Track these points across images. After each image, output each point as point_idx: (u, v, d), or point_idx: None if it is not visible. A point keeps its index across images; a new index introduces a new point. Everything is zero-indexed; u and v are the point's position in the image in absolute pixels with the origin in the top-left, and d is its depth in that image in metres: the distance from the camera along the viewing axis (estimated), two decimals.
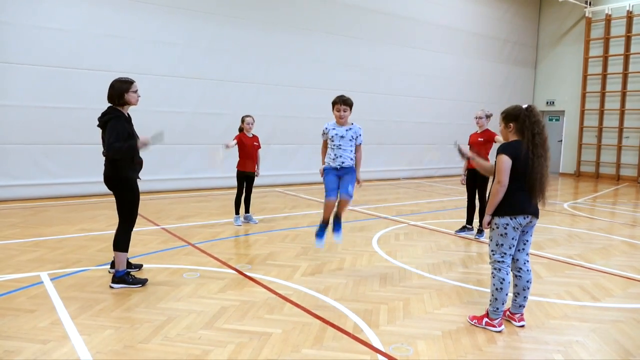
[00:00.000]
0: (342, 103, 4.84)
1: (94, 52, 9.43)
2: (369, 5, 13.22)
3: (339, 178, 4.96)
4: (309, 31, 12.26)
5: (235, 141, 7.07)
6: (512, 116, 3.63)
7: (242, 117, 7.27)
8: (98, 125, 4.38)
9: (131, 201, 4.45)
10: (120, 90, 4.34)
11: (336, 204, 5.00)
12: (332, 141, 4.92)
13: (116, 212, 4.51)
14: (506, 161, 3.54)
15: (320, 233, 5.02)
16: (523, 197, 3.57)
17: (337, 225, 5.09)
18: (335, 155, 4.92)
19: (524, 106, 3.61)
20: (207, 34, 10.76)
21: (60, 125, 9.23)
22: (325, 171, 5.01)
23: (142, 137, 4.39)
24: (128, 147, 4.28)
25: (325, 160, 5.03)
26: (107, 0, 9.53)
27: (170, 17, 10.26)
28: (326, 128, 4.97)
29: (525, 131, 3.53)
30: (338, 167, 4.92)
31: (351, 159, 4.95)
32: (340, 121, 4.90)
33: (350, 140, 4.91)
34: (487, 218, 3.69)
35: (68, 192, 9.36)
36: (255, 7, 11.37)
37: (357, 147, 5.00)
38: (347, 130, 4.90)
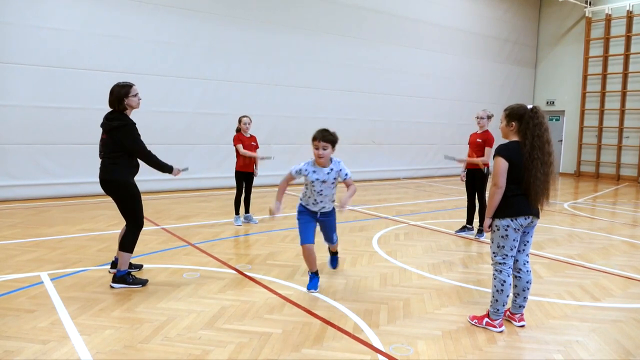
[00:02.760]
0: (322, 139, 4.13)
1: (94, 52, 9.43)
2: (370, 5, 13.22)
3: (317, 223, 4.47)
4: (309, 31, 12.26)
5: (257, 170, 7.38)
6: (515, 115, 3.56)
7: (239, 118, 7.29)
8: (102, 125, 4.39)
9: (133, 203, 4.44)
10: (119, 95, 4.32)
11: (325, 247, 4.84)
12: (313, 186, 4.29)
13: (117, 212, 4.51)
14: (502, 164, 3.51)
15: (310, 285, 4.48)
16: (523, 198, 3.55)
17: (333, 260, 4.95)
18: (315, 200, 4.35)
19: (529, 106, 3.54)
20: (207, 34, 10.76)
21: (60, 125, 9.23)
22: (300, 212, 4.45)
23: (176, 169, 4.74)
24: (159, 165, 4.57)
25: (303, 201, 4.45)
26: (107, 0, 9.54)
27: (170, 17, 10.26)
28: (305, 170, 4.28)
29: (527, 132, 3.48)
30: (317, 212, 4.42)
31: (332, 201, 4.46)
32: (320, 161, 4.22)
33: (332, 183, 4.32)
34: (487, 221, 3.68)
35: (68, 192, 9.37)
36: (255, 7, 11.37)
37: (349, 183, 4.34)
38: (327, 173, 4.25)
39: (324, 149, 4.16)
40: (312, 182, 4.28)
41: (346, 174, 4.32)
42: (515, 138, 3.60)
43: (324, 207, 4.40)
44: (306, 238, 4.35)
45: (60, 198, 9.21)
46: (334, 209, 4.52)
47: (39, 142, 9.10)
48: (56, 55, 9.10)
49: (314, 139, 4.18)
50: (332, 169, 4.28)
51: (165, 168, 4.60)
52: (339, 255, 5.07)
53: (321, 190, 4.30)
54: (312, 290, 4.42)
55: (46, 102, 9.08)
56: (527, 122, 3.49)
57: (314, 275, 4.53)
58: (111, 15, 9.59)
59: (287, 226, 7.27)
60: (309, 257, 4.43)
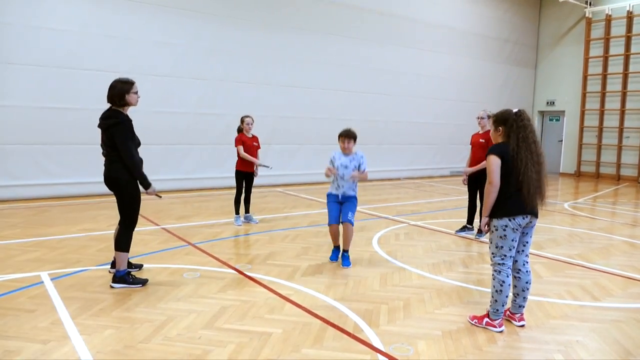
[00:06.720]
0: (346, 136, 5.33)
1: (94, 52, 9.43)
2: (369, 5, 13.22)
3: (340, 204, 5.38)
4: (309, 31, 12.27)
5: (261, 163, 7.41)
6: (501, 120, 3.68)
7: (242, 118, 7.28)
8: (99, 126, 4.38)
9: (131, 201, 4.44)
10: (121, 91, 4.31)
11: (340, 234, 5.41)
12: (337, 170, 5.30)
13: (117, 212, 4.52)
14: (495, 161, 3.57)
15: (332, 257, 5.51)
16: (520, 198, 3.57)
17: (345, 259, 5.35)
18: (338, 185, 5.36)
19: (514, 110, 3.65)
20: (207, 35, 10.76)
21: (60, 125, 9.23)
22: (328, 197, 5.46)
23: (152, 188, 4.47)
24: (139, 173, 4.37)
25: (330, 188, 5.47)
26: (107, 0, 9.54)
27: (170, 17, 10.26)
28: (333, 157, 5.41)
29: (512, 134, 3.57)
30: (340, 196, 5.36)
31: (353, 190, 5.37)
32: (345, 151, 5.38)
33: (353, 170, 5.29)
34: (484, 220, 3.70)
35: (68, 192, 9.37)
36: (255, 7, 11.37)
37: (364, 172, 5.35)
38: (350, 160, 5.33)
39: (348, 143, 5.33)
40: (337, 167, 5.31)
41: (364, 167, 5.38)
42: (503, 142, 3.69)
43: (344, 192, 5.35)
44: (331, 220, 5.33)
45: (61, 198, 9.21)
46: (355, 197, 5.42)
47: (39, 142, 9.10)
48: (56, 55, 9.10)
49: (340, 136, 5.37)
50: (354, 158, 5.36)
51: (143, 181, 4.40)
52: (349, 254, 5.40)
53: (343, 175, 5.28)
54: (333, 261, 5.42)
55: (46, 102, 9.09)
56: (511, 125, 3.60)
57: (336, 249, 5.50)
58: (111, 15, 9.59)
59: (288, 226, 7.27)
60: (333, 235, 5.45)
